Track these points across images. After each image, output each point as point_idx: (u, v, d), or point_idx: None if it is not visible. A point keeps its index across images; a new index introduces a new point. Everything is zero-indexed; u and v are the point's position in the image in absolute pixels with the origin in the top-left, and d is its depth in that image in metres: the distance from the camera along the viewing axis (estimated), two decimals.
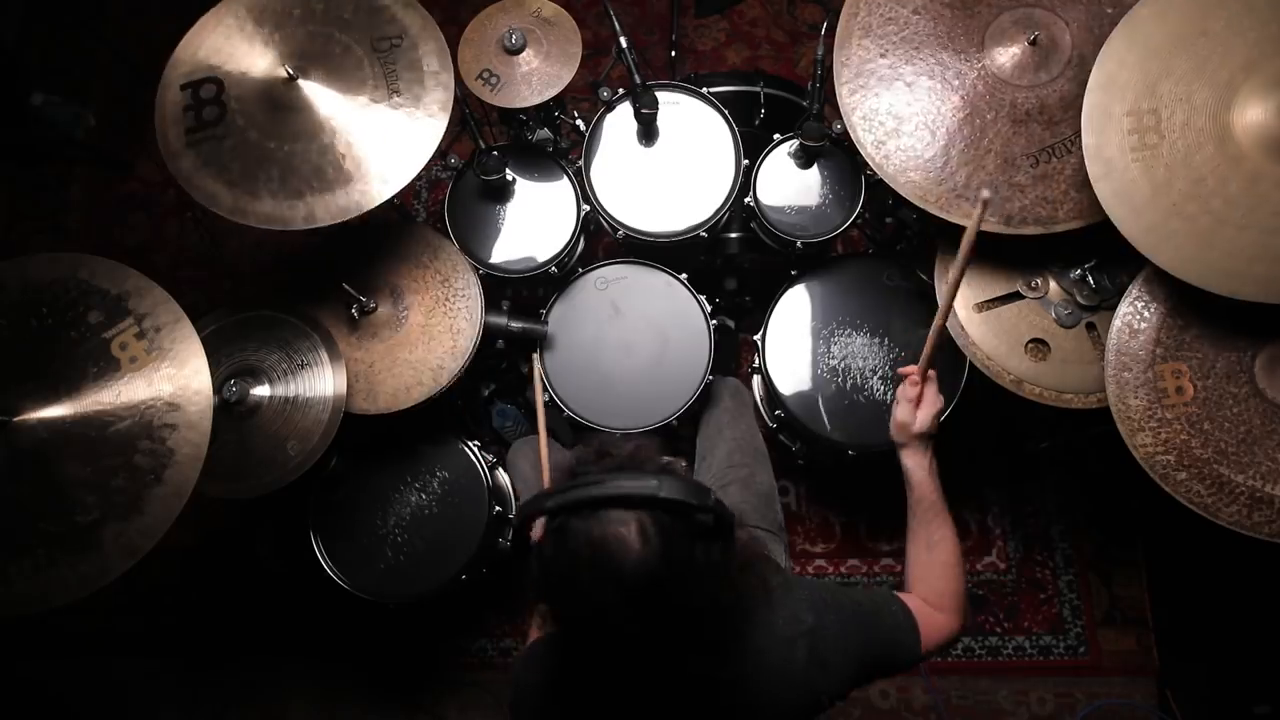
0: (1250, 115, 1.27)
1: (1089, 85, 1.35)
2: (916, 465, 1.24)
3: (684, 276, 1.89)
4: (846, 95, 1.57)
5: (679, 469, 0.97)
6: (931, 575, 1.20)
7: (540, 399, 1.76)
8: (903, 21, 1.55)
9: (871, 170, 1.56)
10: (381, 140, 1.52)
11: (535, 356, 1.81)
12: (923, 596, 1.18)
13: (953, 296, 1.24)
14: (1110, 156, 1.32)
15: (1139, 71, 1.33)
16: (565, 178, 1.90)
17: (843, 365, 1.84)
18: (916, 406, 1.25)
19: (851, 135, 1.56)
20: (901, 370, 1.29)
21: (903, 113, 1.54)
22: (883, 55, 1.56)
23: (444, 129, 1.53)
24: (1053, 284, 1.60)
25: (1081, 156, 1.46)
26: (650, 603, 0.86)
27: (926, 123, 1.53)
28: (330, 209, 1.50)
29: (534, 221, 1.89)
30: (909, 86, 1.55)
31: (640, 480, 0.87)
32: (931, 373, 1.27)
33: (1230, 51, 1.30)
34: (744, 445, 1.74)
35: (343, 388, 1.63)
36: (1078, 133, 1.47)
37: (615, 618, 0.88)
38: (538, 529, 1.05)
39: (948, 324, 1.60)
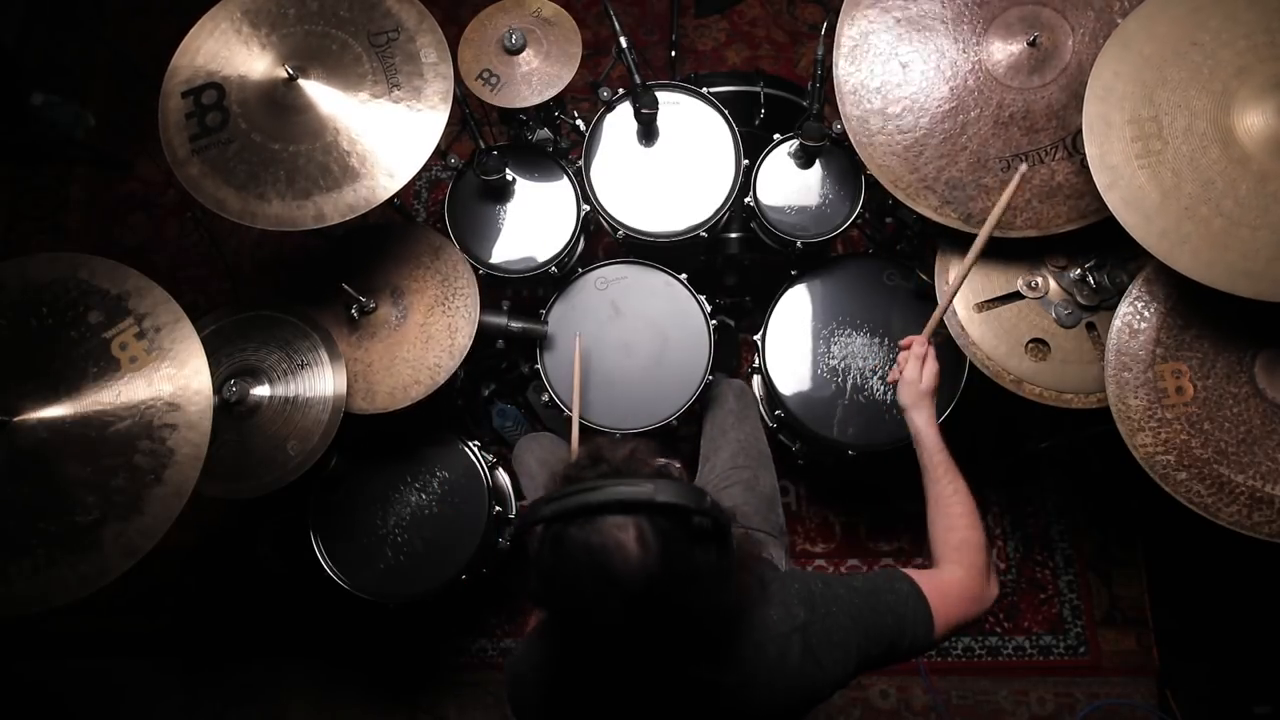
0: (1250, 119, 1.27)
1: (1087, 95, 1.35)
2: (927, 423, 1.29)
3: (684, 276, 1.89)
4: (844, 65, 1.57)
5: (674, 472, 0.97)
6: (947, 530, 1.20)
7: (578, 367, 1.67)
8: None
9: (870, 170, 1.57)
10: (385, 135, 1.53)
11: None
12: (942, 559, 1.18)
13: (979, 252, 1.36)
14: (1115, 164, 1.32)
15: (1135, 81, 1.33)
16: (565, 178, 1.90)
17: (843, 365, 1.84)
18: (922, 366, 1.34)
19: (839, 108, 1.57)
20: (904, 341, 1.38)
21: (892, 94, 1.55)
22: (887, 30, 1.56)
23: (446, 120, 1.54)
24: (1053, 284, 1.60)
25: (1051, 168, 1.50)
26: (651, 608, 0.86)
27: (912, 108, 1.54)
28: (339, 207, 1.50)
29: (534, 221, 1.89)
30: (904, 68, 1.55)
31: (636, 485, 0.86)
32: (883, 389, 1.39)
33: (1221, 60, 1.30)
34: (748, 447, 1.74)
35: (343, 388, 1.63)
36: (1056, 144, 1.49)
37: (615, 624, 0.87)
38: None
39: (947, 324, 1.61)
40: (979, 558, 1.17)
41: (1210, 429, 1.37)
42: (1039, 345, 1.59)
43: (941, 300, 1.43)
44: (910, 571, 1.13)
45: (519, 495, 1.99)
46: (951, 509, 1.21)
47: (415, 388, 1.70)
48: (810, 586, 1.10)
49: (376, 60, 1.56)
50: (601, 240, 2.45)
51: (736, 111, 1.86)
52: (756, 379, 2.07)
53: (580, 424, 1.80)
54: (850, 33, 1.58)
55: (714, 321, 1.85)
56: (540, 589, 0.91)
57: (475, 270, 1.77)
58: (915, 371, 1.33)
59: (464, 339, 1.71)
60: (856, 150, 1.57)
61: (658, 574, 0.84)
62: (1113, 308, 1.47)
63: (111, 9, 3.03)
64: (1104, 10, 1.50)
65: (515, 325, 1.82)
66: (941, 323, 1.61)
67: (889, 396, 1.80)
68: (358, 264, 1.76)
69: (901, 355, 1.38)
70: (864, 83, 1.56)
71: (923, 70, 1.54)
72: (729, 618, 0.99)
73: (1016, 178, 1.39)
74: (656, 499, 0.85)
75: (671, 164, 1.86)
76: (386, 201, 1.53)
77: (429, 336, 1.72)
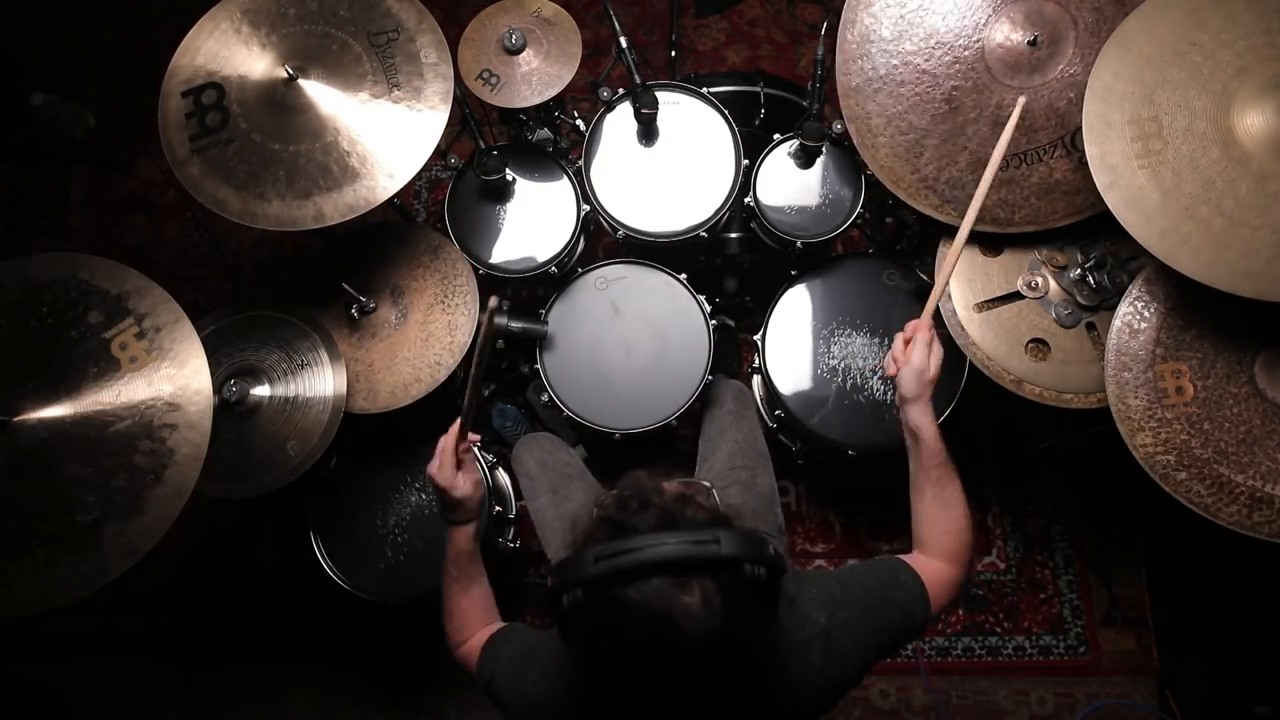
0: (1250, 119, 1.28)
1: (1086, 95, 1.35)
2: (930, 420, 1.20)
3: (684, 276, 1.89)
4: (845, 66, 1.57)
5: (723, 511, 0.90)
6: (944, 532, 1.17)
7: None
8: None
9: (871, 170, 1.57)
10: (385, 135, 1.53)
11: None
12: (933, 553, 1.16)
13: (976, 212, 1.26)
14: (1115, 164, 1.32)
15: (1135, 82, 1.33)
16: (565, 178, 1.90)
17: (843, 365, 1.84)
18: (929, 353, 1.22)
19: (841, 108, 1.58)
20: (909, 326, 1.26)
21: (892, 93, 1.56)
22: (887, 30, 1.57)
23: (446, 120, 1.54)
24: (1053, 284, 1.60)
25: (1050, 166, 1.51)
26: (711, 664, 0.82)
27: (913, 108, 1.55)
28: (338, 207, 1.50)
29: (534, 221, 1.89)
30: (904, 67, 1.55)
31: (699, 541, 0.79)
32: (880, 390, 1.25)
33: (1220, 60, 1.30)
34: (746, 447, 1.74)
35: (343, 388, 1.63)
36: (1055, 142, 1.50)
37: (672, 681, 0.84)
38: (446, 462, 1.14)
39: (947, 324, 1.61)
40: (970, 555, 1.18)
41: (1210, 429, 1.37)
42: (1039, 345, 1.59)
43: (940, 276, 1.30)
44: (911, 562, 1.13)
45: (518, 495, 1.99)
46: (953, 511, 1.17)
47: (416, 386, 1.70)
48: (829, 589, 1.08)
49: (376, 60, 1.56)
50: (601, 240, 2.45)
51: (736, 111, 1.86)
52: (756, 379, 2.07)
53: (581, 424, 1.81)
54: (851, 35, 1.58)
55: (714, 321, 1.85)
56: (588, 645, 0.86)
57: (475, 270, 1.77)
58: (923, 358, 1.20)
59: (464, 336, 1.71)
60: (858, 150, 1.57)
61: (722, 633, 0.79)
62: (1113, 308, 1.47)
63: (111, 9, 3.03)
64: (1105, 3, 1.50)
65: (515, 325, 1.82)
66: (941, 321, 1.61)
67: (889, 396, 1.80)
68: (357, 264, 1.76)
69: (897, 344, 1.26)
70: (865, 83, 1.57)
71: (923, 69, 1.54)
72: (769, 650, 0.98)
73: (1018, 110, 1.30)
74: (721, 555, 0.79)
75: (671, 164, 1.86)
76: (386, 201, 1.53)
77: (429, 334, 1.72)
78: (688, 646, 0.79)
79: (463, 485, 1.19)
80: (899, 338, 1.26)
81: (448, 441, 1.20)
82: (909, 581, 1.10)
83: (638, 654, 0.81)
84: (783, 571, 0.85)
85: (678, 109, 1.88)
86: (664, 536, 0.80)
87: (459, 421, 1.19)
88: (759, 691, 1.01)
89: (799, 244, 1.81)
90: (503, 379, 2.31)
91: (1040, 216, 1.53)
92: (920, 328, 1.24)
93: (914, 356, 1.21)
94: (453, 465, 1.19)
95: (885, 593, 1.09)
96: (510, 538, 2.00)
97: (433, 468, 1.20)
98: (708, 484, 0.95)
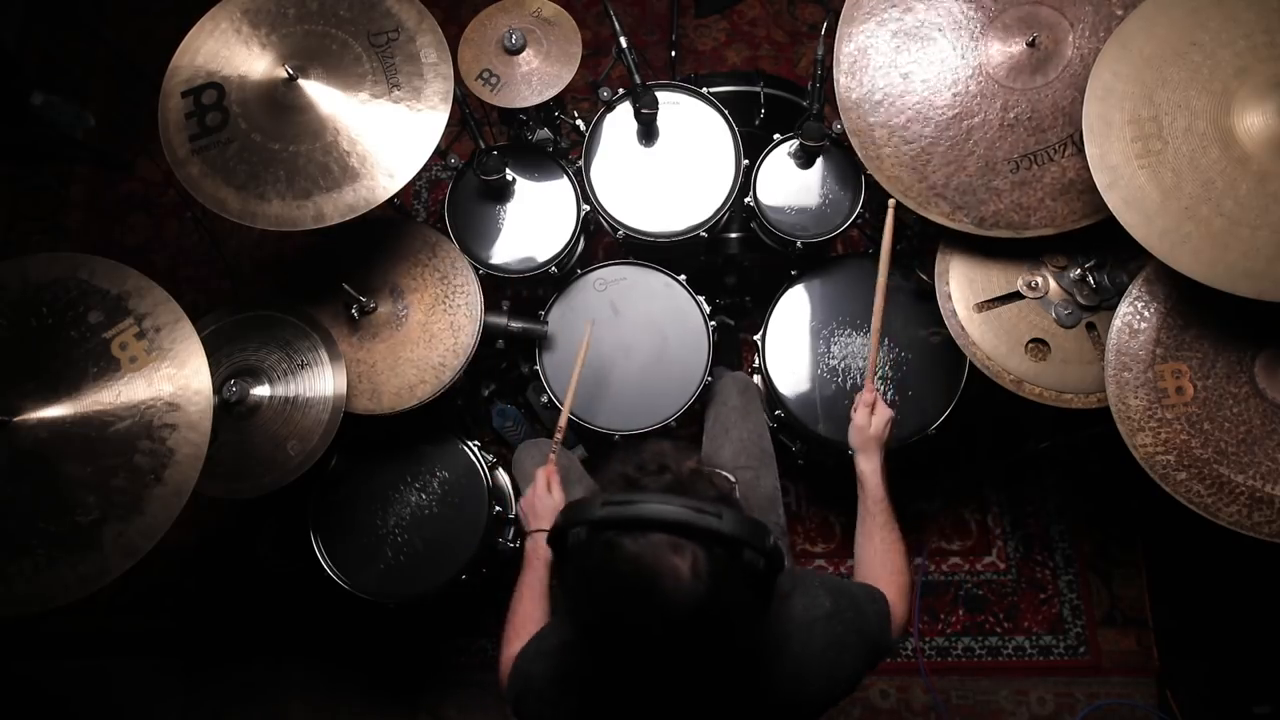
0: (1250, 119, 1.27)
1: (1086, 95, 1.35)
2: (872, 470, 1.33)
3: (683, 278, 1.89)
4: (845, 80, 1.57)
5: (734, 490, 0.93)
6: (893, 572, 1.24)
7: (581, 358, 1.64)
8: (904, 7, 1.56)
9: (879, 180, 1.57)
10: (385, 135, 1.53)
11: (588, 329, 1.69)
12: (891, 599, 1.20)
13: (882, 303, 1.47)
14: (1115, 164, 1.32)
15: (1135, 81, 1.33)
16: (565, 178, 1.90)
17: (843, 365, 1.84)
18: (871, 412, 1.38)
19: (843, 122, 1.57)
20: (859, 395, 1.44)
21: (895, 104, 1.55)
22: (885, 43, 1.56)
23: (446, 120, 1.54)
24: (1053, 284, 1.60)
25: (1062, 165, 1.49)
26: (690, 635, 0.84)
27: (916, 117, 1.54)
28: (338, 207, 1.50)
29: (534, 221, 1.89)
30: (904, 79, 1.55)
31: (701, 511, 0.82)
32: (878, 389, 1.44)
33: (1220, 60, 1.30)
34: (750, 446, 1.74)
35: (343, 388, 1.63)
36: (1064, 141, 1.49)
37: (650, 643, 0.85)
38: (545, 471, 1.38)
39: (947, 324, 1.61)
40: (911, 596, 1.27)
41: (1210, 429, 1.37)
42: (1039, 345, 1.59)
43: (872, 339, 1.47)
44: (882, 591, 1.18)
45: (519, 496, 1.99)
46: (893, 558, 1.26)
47: (421, 388, 1.70)
48: (831, 582, 1.13)
49: (376, 60, 1.56)
50: (601, 240, 2.45)
51: (736, 111, 1.86)
52: (756, 379, 2.07)
53: (580, 425, 1.81)
54: (848, 49, 1.57)
55: (713, 323, 1.85)
56: (577, 588, 0.88)
57: (475, 270, 1.77)
58: (864, 418, 1.38)
59: (467, 337, 1.71)
60: (864, 163, 1.57)
61: (705, 606, 0.81)
62: (1113, 308, 1.47)
63: (111, 9, 3.03)
64: (1101, 4, 1.50)
65: (515, 325, 1.82)
66: (941, 321, 1.61)
67: (889, 397, 1.80)
68: (357, 264, 1.76)
69: (858, 397, 1.43)
70: (866, 96, 1.56)
71: (924, 79, 1.54)
72: (763, 639, 1.00)
73: (890, 214, 1.50)
74: (721, 530, 0.81)
75: (671, 164, 1.86)
76: (386, 202, 1.53)
77: (431, 336, 1.72)
78: (667, 607, 0.80)
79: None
80: (859, 398, 1.43)
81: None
82: (881, 601, 1.16)
83: (620, 603, 0.83)
84: (780, 566, 0.87)
85: (678, 109, 1.88)
86: (670, 498, 0.84)
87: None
88: (753, 675, 1.01)
89: (799, 244, 1.81)
90: (503, 379, 2.31)
91: (1058, 218, 1.50)
92: (864, 393, 1.42)
93: (856, 416, 1.40)
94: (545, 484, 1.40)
95: (870, 603, 1.14)
96: (510, 538, 2.01)
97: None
98: (729, 476, 0.97)
